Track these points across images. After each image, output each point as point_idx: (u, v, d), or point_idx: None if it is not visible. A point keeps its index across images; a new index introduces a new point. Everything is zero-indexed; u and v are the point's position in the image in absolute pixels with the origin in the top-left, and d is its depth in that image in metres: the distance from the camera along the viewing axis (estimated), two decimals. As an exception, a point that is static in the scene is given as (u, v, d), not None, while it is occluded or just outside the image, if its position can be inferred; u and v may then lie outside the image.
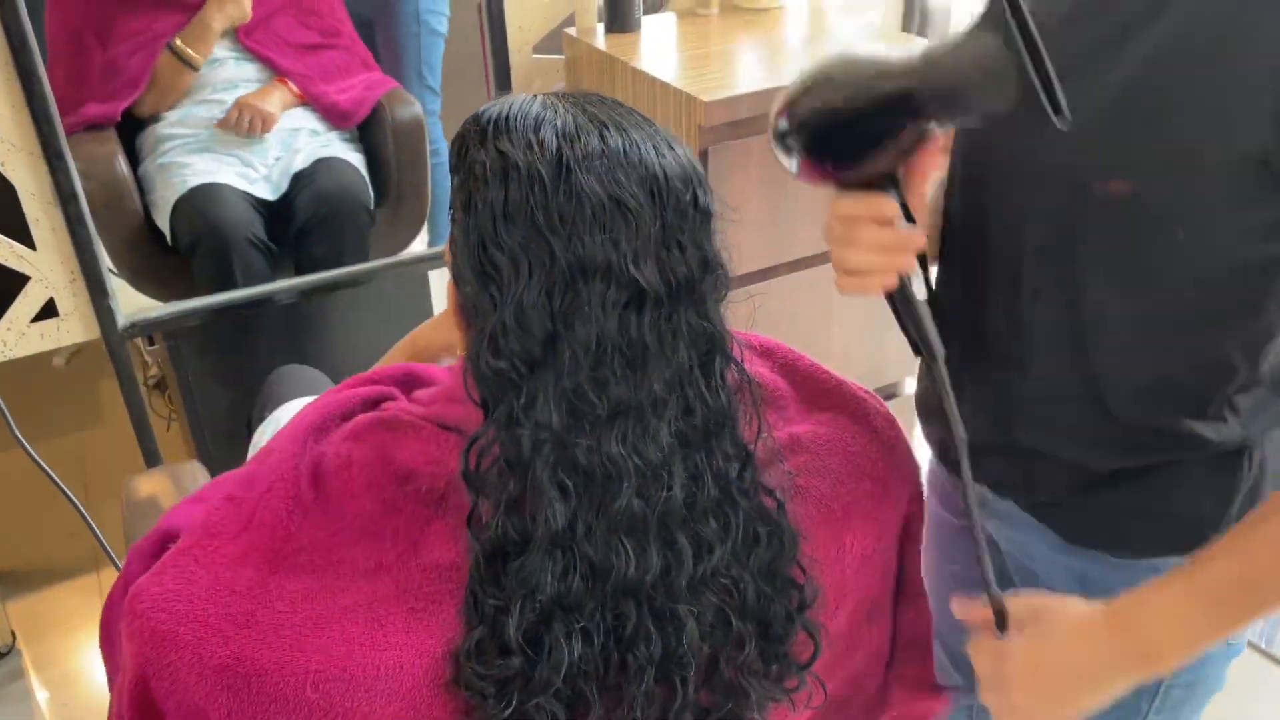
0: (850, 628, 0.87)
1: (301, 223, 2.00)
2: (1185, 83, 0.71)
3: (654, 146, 0.68)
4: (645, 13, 1.89)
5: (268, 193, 2.02)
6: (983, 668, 0.79)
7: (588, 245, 0.64)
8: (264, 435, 1.33)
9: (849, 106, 0.75)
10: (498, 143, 0.67)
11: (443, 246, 1.44)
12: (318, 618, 0.69)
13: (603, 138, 0.67)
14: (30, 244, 1.53)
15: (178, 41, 1.94)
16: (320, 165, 2.06)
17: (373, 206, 2.11)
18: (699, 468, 0.70)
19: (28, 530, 1.96)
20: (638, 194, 0.66)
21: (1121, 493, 0.85)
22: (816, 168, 0.79)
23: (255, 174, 2.04)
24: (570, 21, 1.87)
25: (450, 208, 0.71)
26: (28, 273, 1.55)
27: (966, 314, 0.88)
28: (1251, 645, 1.89)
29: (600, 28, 1.85)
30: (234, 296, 1.74)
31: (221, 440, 1.86)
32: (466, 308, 0.69)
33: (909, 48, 0.74)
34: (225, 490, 0.80)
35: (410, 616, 0.69)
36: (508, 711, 0.67)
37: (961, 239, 0.90)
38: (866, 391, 0.91)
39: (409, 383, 0.92)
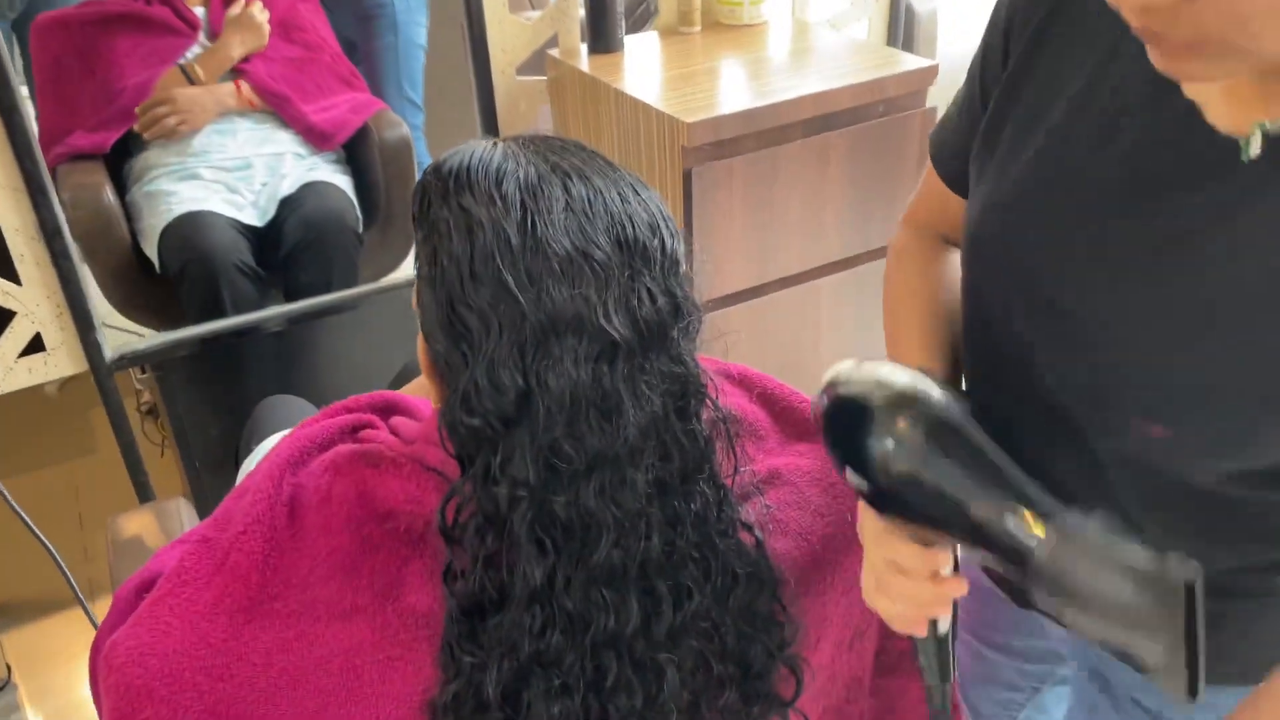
0: (832, 659, 0.86)
1: (289, 248, 2.00)
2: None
3: (619, 194, 0.68)
4: (628, 32, 1.89)
5: (255, 219, 2.02)
6: None
7: (557, 301, 0.64)
8: (250, 468, 1.33)
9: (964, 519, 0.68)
10: (460, 198, 0.67)
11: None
12: (293, 671, 0.69)
13: (566, 188, 0.67)
14: (15, 279, 1.53)
15: (196, 67, 1.93)
16: (307, 190, 2.06)
17: (361, 229, 2.10)
18: (677, 513, 0.69)
19: (21, 562, 1.95)
20: (604, 245, 0.66)
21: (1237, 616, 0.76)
22: (893, 513, 0.73)
23: (242, 200, 2.04)
24: (553, 43, 1.86)
25: (415, 260, 0.71)
26: (13, 308, 1.55)
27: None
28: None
29: (584, 48, 1.85)
30: (222, 325, 1.74)
31: (212, 469, 1.86)
32: (439, 364, 0.69)
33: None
34: (200, 532, 0.80)
35: (386, 666, 0.69)
36: None
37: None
38: None
39: (388, 410, 0.92)
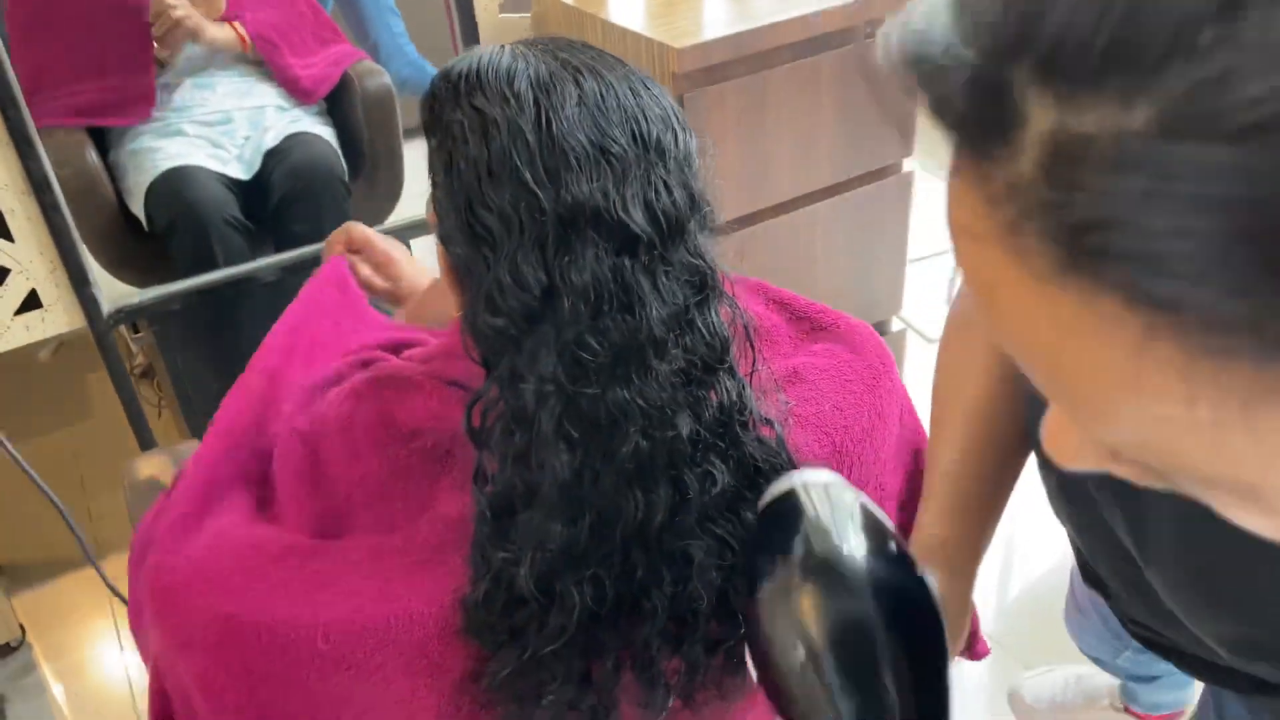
0: None
1: (278, 200, 1.99)
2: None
3: (630, 89, 0.68)
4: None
5: (241, 172, 2.01)
6: None
7: (576, 196, 0.64)
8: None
9: None
10: (472, 100, 0.66)
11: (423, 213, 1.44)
12: (326, 573, 0.70)
13: (578, 84, 0.66)
14: (8, 236, 1.52)
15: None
16: (292, 141, 2.04)
17: (347, 179, 2.09)
18: (700, 404, 0.70)
19: (28, 524, 1.96)
20: (620, 139, 0.65)
21: None
22: None
23: (227, 154, 2.03)
24: (537, -23, 1.85)
25: (430, 170, 0.71)
26: (7, 265, 1.54)
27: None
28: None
29: (566, -19, 1.83)
30: (217, 277, 1.73)
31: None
32: (459, 269, 0.69)
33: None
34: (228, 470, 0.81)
35: (417, 569, 0.70)
36: (524, 658, 0.68)
37: None
38: (860, 323, 0.91)
39: (395, 350, 0.92)
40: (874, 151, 1.84)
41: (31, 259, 1.55)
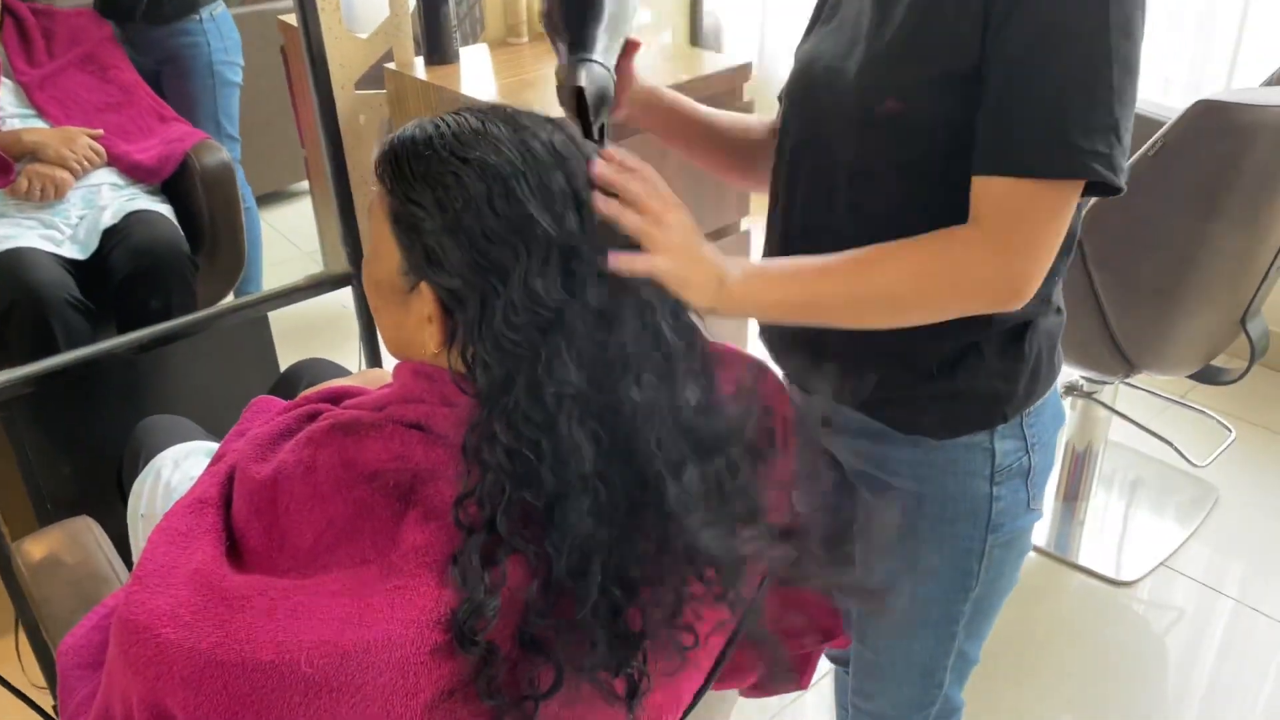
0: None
1: (121, 279, 1.95)
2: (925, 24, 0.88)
3: (559, 129, 0.80)
4: (460, 45, 1.96)
5: (77, 253, 1.96)
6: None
7: (566, 221, 0.75)
8: (145, 484, 1.31)
9: None
10: (456, 151, 0.75)
11: (269, 289, 1.49)
12: (307, 602, 0.73)
13: (535, 135, 0.78)
14: None
15: None
16: (132, 220, 2.00)
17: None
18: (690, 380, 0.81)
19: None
20: (579, 172, 0.78)
21: (939, 383, 0.99)
22: None
23: (60, 235, 1.97)
24: (389, 57, 1.91)
25: (396, 223, 0.77)
26: None
27: (804, 233, 1.01)
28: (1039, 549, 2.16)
29: (419, 61, 1.91)
30: (70, 358, 1.66)
31: (64, 511, 1.77)
32: (455, 301, 0.76)
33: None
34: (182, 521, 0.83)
35: (393, 594, 0.73)
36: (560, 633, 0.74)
37: (789, 172, 1.04)
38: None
39: (335, 400, 0.96)
40: (715, 212, 2.00)
41: None
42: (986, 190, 0.85)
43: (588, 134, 0.93)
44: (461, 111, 0.80)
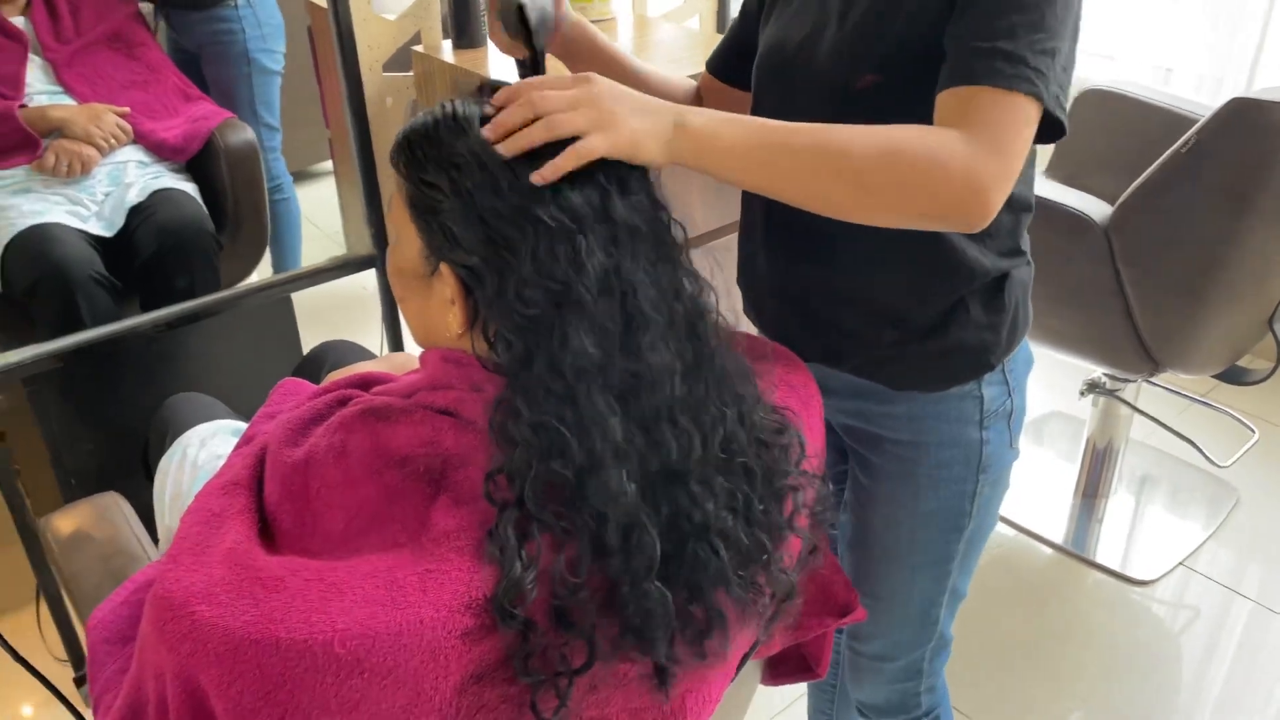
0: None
1: (147, 257, 1.95)
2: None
3: None
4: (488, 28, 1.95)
5: (102, 229, 1.96)
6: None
7: (572, 197, 0.77)
8: (171, 462, 1.32)
9: None
10: (465, 137, 0.79)
11: (293, 270, 1.50)
12: (339, 583, 0.73)
13: None
14: None
15: None
16: (158, 198, 2.01)
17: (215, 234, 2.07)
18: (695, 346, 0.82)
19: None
20: None
21: (931, 341, 1.04)
22: None
23: (86, 211, 1.97)
24: (417, 40, 1.91)
25: (414, 208, 0.80)
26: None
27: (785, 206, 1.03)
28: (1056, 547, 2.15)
29: (447, 44, 1.91)
30: (98, 334, 1.67)
31: (89, 487, 1.79)
32: (474, 279, 0.78)
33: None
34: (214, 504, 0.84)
35: (424, 578, 0.74)
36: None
37: None
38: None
39: (364, 386, 0.97)
40: (715, 212, 1.98)
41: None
42: (955, 98, 0.88)
43: (530, 48, 0.96)
44: (466, 96, 0.83)
